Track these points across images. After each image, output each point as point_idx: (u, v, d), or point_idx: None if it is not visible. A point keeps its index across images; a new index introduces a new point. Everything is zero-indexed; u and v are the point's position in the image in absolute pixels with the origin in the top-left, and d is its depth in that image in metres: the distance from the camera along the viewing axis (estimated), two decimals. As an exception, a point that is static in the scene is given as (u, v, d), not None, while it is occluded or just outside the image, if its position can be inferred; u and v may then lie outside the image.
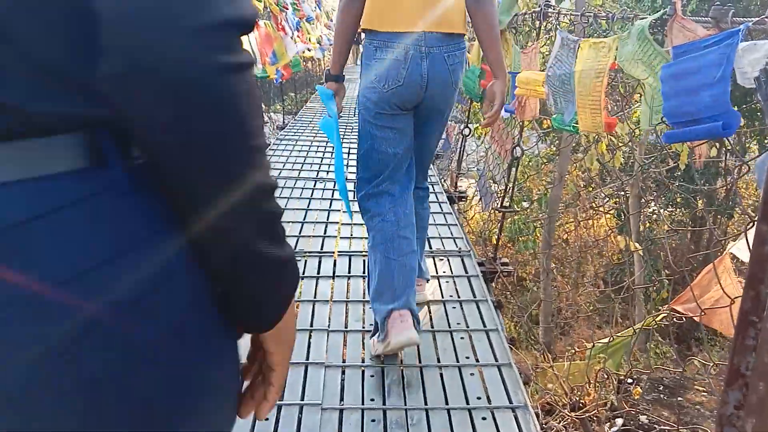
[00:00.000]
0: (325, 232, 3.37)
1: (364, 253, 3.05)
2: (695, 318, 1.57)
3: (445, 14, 1.83)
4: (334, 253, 3.07)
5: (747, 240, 1.08)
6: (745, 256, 1.43)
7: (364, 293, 2.67)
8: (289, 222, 3.51)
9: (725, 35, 1.17)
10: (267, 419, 1.85)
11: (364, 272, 2.85)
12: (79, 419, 0.45)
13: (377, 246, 2.03)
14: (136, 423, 0.48)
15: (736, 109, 1.12)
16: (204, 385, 0.55)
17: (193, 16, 0.42)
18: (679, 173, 6.83)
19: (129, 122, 0.45)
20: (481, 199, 4.07)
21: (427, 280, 2.53)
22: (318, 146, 5.64)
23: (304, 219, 3.56)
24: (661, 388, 2.14)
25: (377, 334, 2.07)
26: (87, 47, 0.40)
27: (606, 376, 2.13)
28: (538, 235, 7.23)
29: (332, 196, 4.01)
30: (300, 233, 3.35)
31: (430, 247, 3.18)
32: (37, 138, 0.43)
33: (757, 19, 1.16)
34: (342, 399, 1.98)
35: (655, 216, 8.38)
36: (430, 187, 4.22)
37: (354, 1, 1.86)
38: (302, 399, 1.96)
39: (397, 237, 2.01)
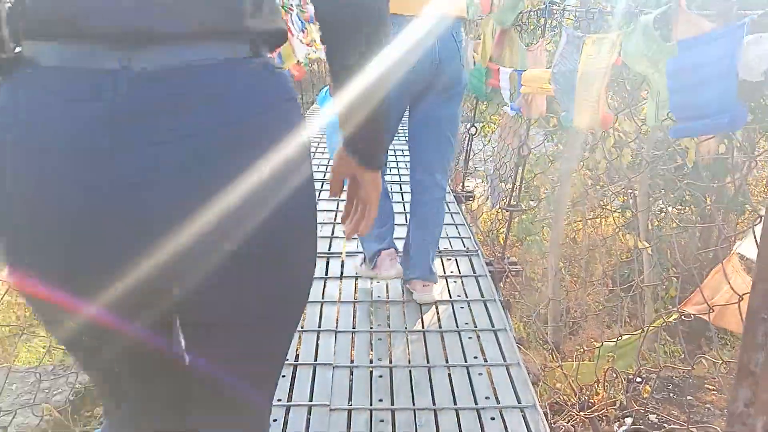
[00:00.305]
0: (332, 233, 3.37)
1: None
2: (705, 318, 1.55)
3: None
4: (341, 254, 3.07)
5: (754, 236, 1.07)
6: (752, 253, 1.42)
7: (371, 294, 2.68)
8: (321, 223, 3.50)
9: (730, 29, 1.16)
10: (275, 420, 1.86)
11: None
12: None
13: None
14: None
15: (744, 104, 1.11)
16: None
17: None
18: (688, 170, 6.78)
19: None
20: (488, 197, 4.05)
21: (436, 282, 2.56)
22: (325, 147, 5.64)
23: (335, 220, 3.55)
24: (670, 387, 2.13)
25: (364, 263, 2.59)
26: None
27: (615, 376, 2.12)
28: (546, 234, 7.20)
29: (339, 197, 4.00)
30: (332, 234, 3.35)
31: (438, 247, 3.17)
32: (239, 41, 0.70)
33: (763, 11, 1.15)
34: (350, 400, 1.98)
35: (663, 214, 8.32)
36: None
37: None
38: (311, 400, 1.96)
39: None
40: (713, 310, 1.48)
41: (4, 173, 0.65)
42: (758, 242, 1.07)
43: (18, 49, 0.67)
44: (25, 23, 0.65)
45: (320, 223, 3.51)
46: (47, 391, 2.18)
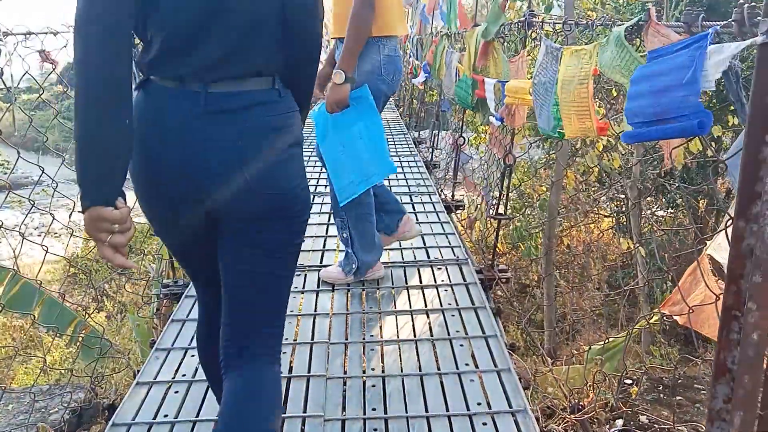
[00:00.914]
0: (324, 246, 3.40)
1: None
2: (679, 320, 1.59)
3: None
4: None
5: (727, 236, 1.11)
6: (721, 256, 1.46)
7: (363, 305, 2.70)
8: (312, 237, 3.54)
9: (695, 38, 1.20)
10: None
11: (363, 285, 2.88)
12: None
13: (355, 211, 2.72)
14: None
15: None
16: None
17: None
18: (678, 173, 6.85)
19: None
20: (487, 204, 4.08)
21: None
22: (315, 160, 5.68)
23: (326, 233, 3.59)
24: (660, 388, 2.16)
25: (355, 270, 2.82)
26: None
27: (604, 378, 2.15)
28: (539, 240, 7.25)
29: (330, 209, 4.04)
30: (323, 247, 3.38)
31: (428, 257, 3.21)
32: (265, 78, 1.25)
33: (725, 22, 1.19)
34: (344, 410, 2.00)
35: (654, 218, 8.39)
36: (432, 203, 4.27)
37: (372, 10, 2.29)
38: (305, 411, 1.98)
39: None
40: (693, 311, 1.52)
41: (141, 140, 1.16)
42: (730, 242, 1.11)
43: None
44: (147, 67, 1.21)
45: (311, 237, 3.54)
46: (43, 410, 2.19)
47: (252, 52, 1.20)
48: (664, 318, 1.82)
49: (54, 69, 2.07)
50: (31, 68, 1.94)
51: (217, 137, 1.19)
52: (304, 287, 2.89)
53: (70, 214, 2.28)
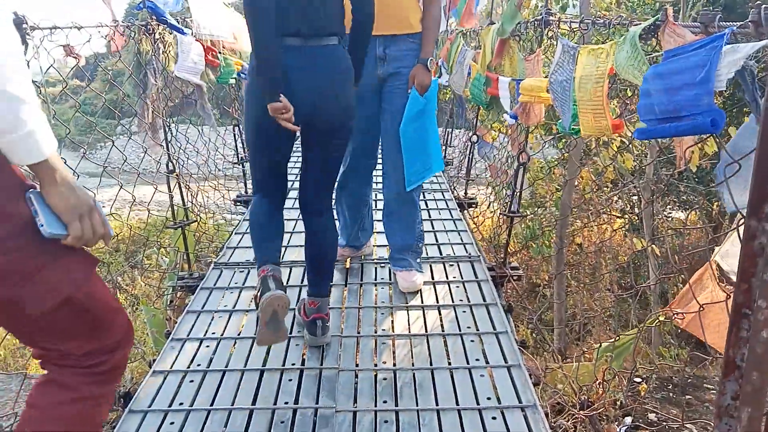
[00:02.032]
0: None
1: (375, 261, 3.12)
2: (679, 323, 1.60)
3: None
4: (346, 261, 3.13)
5: (739, 236, 1.13)
6: (727, 263, 1.47)
7: (375, 299, 2.73)
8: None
9: (711, 39, 1.22)
10: (282, 422, 1.91)
11: (375, 279, 2.91)
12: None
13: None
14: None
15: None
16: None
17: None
18: (691, 174, 6.81)
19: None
20: (490, 204, 4.10)
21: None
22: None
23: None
24: (670, 387, 2.16)
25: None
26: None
27: (613, 375, 2.15)
28: (550, 239, 7.23)
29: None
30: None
31: (441, 254, 3.23)
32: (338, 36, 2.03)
33: (741, 23, 1.21)
34: (355, 402, 2.04)
35: (668, 219, 8.33)
36: (445, 200, 4.27)
37: None
38: (317, 402, 2.02)
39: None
40: (703, 308, 1.53)
41: (286, 78, 1.87)
42: (741, 240, 1.13)
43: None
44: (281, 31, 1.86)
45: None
46: (62, 396, 2.24)
47: (328, 24, 1.96)
48: (674, 319, 1.82)
49: (78, 62, 2.12)
50: (55, 62, 1.99)
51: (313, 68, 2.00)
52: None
53: (110, 207, 2.31)
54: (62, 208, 1.07)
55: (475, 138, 4.27)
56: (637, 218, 8.22)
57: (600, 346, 2.28)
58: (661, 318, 2.05)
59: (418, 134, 2.51)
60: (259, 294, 1.97)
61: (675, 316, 1.66)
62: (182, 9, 3.09)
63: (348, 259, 3.14)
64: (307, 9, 1.90)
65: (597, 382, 2.17)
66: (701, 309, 1.52)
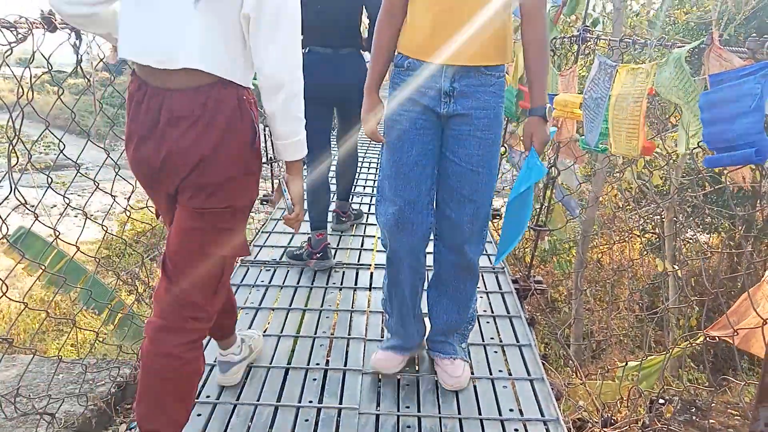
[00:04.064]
0: (362, 245, 3.47)
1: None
2: (729, 341, 1.60)
3: None
4: (371, 265, 3.16)
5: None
6: None
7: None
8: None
9: (761, 65, 1.23)
10: (307, 421, 1.94)
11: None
12: None
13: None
14: None
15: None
16: None
17: None
18: (716, 198, 6.75)
19: None
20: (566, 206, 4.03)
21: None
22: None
23: (342, 232, 3.67)
24: (693, 410, 2.15)
25: None
26: None
27: (638, 395, 2.15)
28: (572, 255, 7.20)
29: (369, 210, 4.11)
30: (338, 245, 3.46)
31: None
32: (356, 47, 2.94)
33: (791, 50, 1.21)
34: (378, 405, 2.05)
35: (691, 242, 8.25)
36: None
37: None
38: (340, 403, 2.04)
39: None
40: (737, 333, 1.53)
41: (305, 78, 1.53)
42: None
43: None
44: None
45: (350, 235, 3.62)
46: (91, 382, 2.29)
47: (346, 38, 2.84)
48: (707, 339, 1.82)
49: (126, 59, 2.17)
50: (105, 57, 2.05)
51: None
52: (342, 284, 2.95)
53: (129, 197, 2.37)
54: (296, 195, 1.56)
55: (502, 150, 4.28)
56: (658, 238, 8.15)
57: (626, 364, 2.28)
58: (699, 339, 2.04)
59: (522, 202, 1.89)
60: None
61: (721, 336, 1.65)
62: None
63: (373, 263, 3.17)
64: (332, 28, 2.78)
65: (620, 400, 2.17)
66: (735, 333, 1.52)
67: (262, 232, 3.69)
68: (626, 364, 2.29)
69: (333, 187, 3.39)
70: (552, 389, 2.16)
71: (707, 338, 1.75)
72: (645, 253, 7.72)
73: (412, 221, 1.94)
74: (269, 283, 2.95)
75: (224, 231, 1.49)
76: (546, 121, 1.78)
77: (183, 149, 1.35)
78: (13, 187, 1.75)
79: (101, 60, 2.04)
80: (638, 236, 8.37)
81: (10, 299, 1.85)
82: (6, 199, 1.77)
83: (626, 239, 7.97)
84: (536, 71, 1.77)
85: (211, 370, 2.19)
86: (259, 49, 1.34)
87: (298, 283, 2.96)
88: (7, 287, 1.78)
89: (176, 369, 1.50)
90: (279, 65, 1.36)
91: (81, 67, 1.92)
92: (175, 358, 1.49)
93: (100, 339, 2.44)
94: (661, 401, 2.12)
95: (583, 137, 2.41)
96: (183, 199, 1.44)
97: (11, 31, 1.74)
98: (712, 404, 2.14)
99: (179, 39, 1.29)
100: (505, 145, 4.28)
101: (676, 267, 5.78)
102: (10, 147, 1.73)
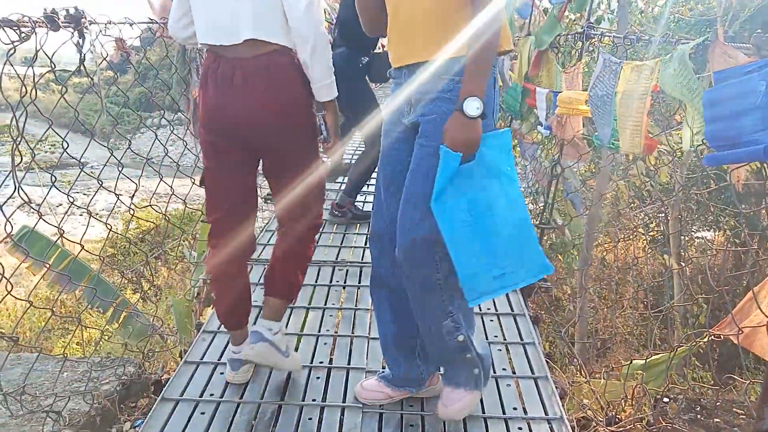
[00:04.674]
0: (365, 243, 3.46)
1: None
2: (733, 339, 1.59)
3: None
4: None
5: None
6: None
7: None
8: (331, 233, 3.62)
9: (766, 62, 1.22)
10: (310, 419, 1.94)
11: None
12: None
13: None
14: None
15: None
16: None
17: None
18: (722, 196, 6.71)
19: None
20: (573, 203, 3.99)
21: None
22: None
23: (345, 230, 3.67)
24: (698, 409, 2.14)
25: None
26: None
27: (642, 394, 2.14)
28: (576, 253, 7.18)
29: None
30: (342, 244, 3.46)
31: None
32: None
33: (797, 47, 1.20)
34: (382, 404, 2.05)
35: (697, 239, 8.21)
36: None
37: None
38: (344, 401, 2.04)
39: None
40: (742, 332, 1.52)
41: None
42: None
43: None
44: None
45: (354, 233, 3.62)
46: (96, 380, 2.30)
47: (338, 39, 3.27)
48: (714, 342, 1.81)
49: (129, 57, 2.18)
50: (108, 56, 2.05)
51: None
52: (345, 282, 2.95)
53: (132, 196, 2.38)
54: (332, 127, 1.93)
55: (514, 142, 4.26)
56: (662, 235, 8.12)
57: (630, 363, 2.27)
58: (702, 341, 2.03)
59: (472, 214, 1.53)
60: None
61: (727, 334, 1.64)
62: None
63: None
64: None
65: (624, 399, 2.16)
66: (740, 332, 1.51)
67: (267, 230, 3.70)
68: (630, 362, 2.28)
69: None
70: (556, 388, 2.15)
71: (713, 337, 1.74)
72: (650, 251, 7.69)
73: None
74: (273, 281, 2.95)
75: (306, 162, 1.93)
76: (469, 118, 1.45)
77: (257, 104, 1.74)
78: (17, 185, 1.75)
79: (104, 59, 2.05)
80: (643, 234, 8.33)
81: (16, 297, 1.85)
82: (11, 197, 1.77)
83: (631, 237, 7.94)
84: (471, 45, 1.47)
85: (214, 369, 2.20)
86: (290, 9, 1.70)
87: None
88: (12, 285, 1.79)
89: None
90: (304, 21, 1.70)
91: (84, 66, 1.92)
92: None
93: (106, 337, 2.45)
94: (665, 400, 2.12)
95: (596, 134, 2.40)
96: (267, 150, 1.90)
97: (14, 30, 1.74)
98: (717, 403, 2.13)
99: (237, 18, 1.70)
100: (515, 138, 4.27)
101: (682, 264, 5.75)
102: (14, 146, 1.73)
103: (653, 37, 2.09)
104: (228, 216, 1.96)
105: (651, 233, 8.39)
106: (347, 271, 3.09)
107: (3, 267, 1.73)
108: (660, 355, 2.30)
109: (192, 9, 1.81)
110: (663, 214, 8.21)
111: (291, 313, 2.63)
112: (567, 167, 3.16)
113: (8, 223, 1.80)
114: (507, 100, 3.69)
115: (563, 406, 2.09)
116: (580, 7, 3.24)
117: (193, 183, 3.26)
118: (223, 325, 2.14)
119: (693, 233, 8.36)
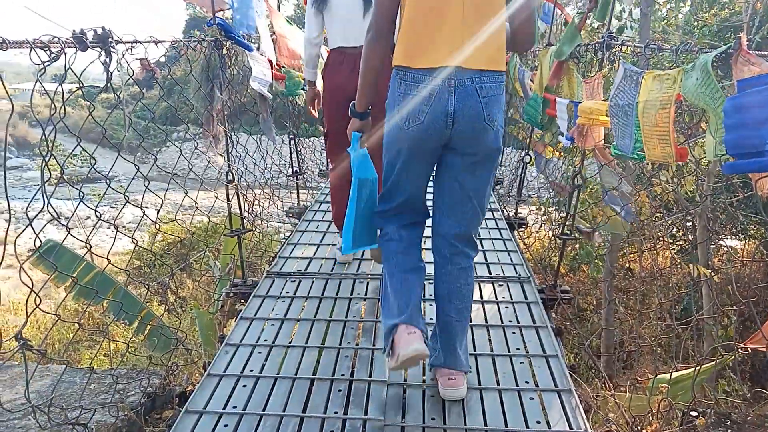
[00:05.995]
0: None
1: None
2: (763, 349, 1.55)
3: (484, 50, 1.79)
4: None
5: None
6: None
7: (423, 313, 2.74)
8: None
9: (790, 70, 1.20)
10: (332, 431, 1.94)
11: (424, 295, 2.92)
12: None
13: (384, 264, 2.18)
14: None
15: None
16: None
17: None
18: (751, 202, 6.57)
19: None
20: (622, 209, 3.95)
21: (466, 373, 2.16)
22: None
23: None
24: (728, 423, 2.09)
25: (386, 350, 2.00)
26: None
27: (669, 408, 2.10)
28: (601, 264, 7.08)
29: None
30: (362, 256, 3.47)
31: (490, 273, 3.22)
32: None
33: (823, 54, 1.18)
34: (404, 416, 2.04)
35: (726, 249, 8.03)
36: (494, 220, 4.23)
37: (380, 39, 1.87)
38: (366, 414, 2.04)
39: (398, 254, 2.10)
40: (771, 345, 1.48)
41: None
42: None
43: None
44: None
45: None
46: (122, 392, 2.34)
47: None
48: (746, 356, 1.77)
49: (154, 75, 2.23)
50: (134, 74, 2.11)
51: None
52: (366, 294, 2.96)
53: (158, 209, 2.42)
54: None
55: (527, 158, 4.25)
56: (689, 245, 7.96)
57: (656, 376, 2.22)
58: (732, 356, 1.98)
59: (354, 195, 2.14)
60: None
61: (756, 347, 1.60)
62: (255, 32, 3.23)
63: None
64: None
65: (650, 413, 2.11)
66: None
67: (288, 243, 3.73)
68: (656, 376, 2.24)
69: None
70: (580, 401, 2.12)
71: (743, 350, 1.70)
72: (676, 261, 7.54)
73: None
74: (294, 294, 2.97)
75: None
76: (358, 119, 2.11)
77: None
78: (46, 201, 1.80)
79: (130, 77, 2.10)
80: (670, 243, 8.18)
81: (44, 312, 1.90)
82: (41, 212, 1.82)
83: (656, 247, 7.80)
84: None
85: (236, 381, 2.21)
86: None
87: (322, 294, 2.98)
88: (40, 299, 1.83)
89: None
90: None
91: (111, 84, 1.97)
92: None
93: (131, 350, 2.49)
94: (694, 414, 2.07)
95: (614, 144, 2.38)
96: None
97: (45, 51, 1.80)
98: (748, 417, 2.08)
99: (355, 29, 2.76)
100: (529, 153, 4.25)
101: (711, 273, 5.63)
102: (44, 162, 1.78)
103: (674, 45, 2.06)
104: (341, 132, 2.55)
105: (678, 242, 8.23)
106: (368, 284, 3.09)
107: (32, 281, 1.77)
108: (686, 371, 2.24)
109: (326, 20, 2.86)
110: (690, 223, 8.06)
111: (312, 326, 2.65)
112: (601, 167, 3.09)
113: (37, 237, 1.84)
114: (527, 110, 3.68)
115: (588, 420, 2.06)
116: (603, 16, 3.22)
117: (216, 198, 3.32)
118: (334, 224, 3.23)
119: (720, 241, 8.18)
